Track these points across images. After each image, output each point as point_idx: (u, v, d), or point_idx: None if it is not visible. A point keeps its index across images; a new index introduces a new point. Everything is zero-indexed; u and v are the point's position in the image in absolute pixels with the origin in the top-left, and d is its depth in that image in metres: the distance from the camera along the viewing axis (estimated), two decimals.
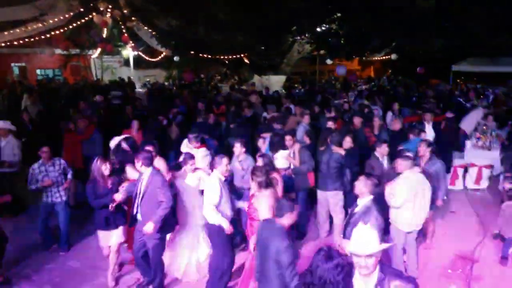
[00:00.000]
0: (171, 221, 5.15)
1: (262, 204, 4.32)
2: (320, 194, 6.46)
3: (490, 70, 17.29)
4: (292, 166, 6.61)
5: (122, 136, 6.54)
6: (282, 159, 6.54)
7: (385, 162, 6.40)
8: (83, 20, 14.87)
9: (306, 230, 6.83)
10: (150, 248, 4.96)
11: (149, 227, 4.72)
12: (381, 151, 6.40)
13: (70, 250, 6.31)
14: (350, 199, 6.30)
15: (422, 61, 20.49)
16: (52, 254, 6.17)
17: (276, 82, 18.84)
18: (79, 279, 5.55)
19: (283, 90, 18.28)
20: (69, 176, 6.30)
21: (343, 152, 6.29)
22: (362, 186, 4.48)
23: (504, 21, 13.86)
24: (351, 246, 2.62)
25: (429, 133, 8.33)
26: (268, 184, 4.48)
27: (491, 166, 8.85)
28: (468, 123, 9.65)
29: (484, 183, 8.88)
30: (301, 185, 6.57)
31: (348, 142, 6.49)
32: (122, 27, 15.73)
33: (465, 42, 14.21)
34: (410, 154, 5.56)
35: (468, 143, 9.11)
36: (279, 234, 3.52)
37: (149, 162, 4.93)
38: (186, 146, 6.86)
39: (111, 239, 5.26)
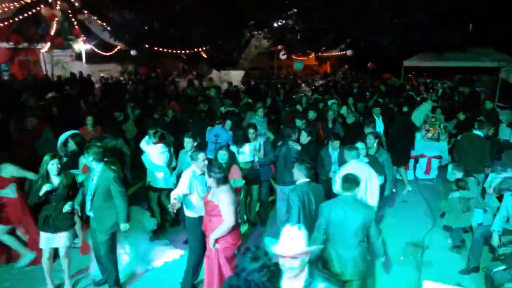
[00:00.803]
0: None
1: (224, 200, 4.30)
2: (279, 189, 6.50)
3: (438, 65, 18.11)
4: (257, 159, 6.73)
5: (69, 133, 6.31)
6: (248, 152, 6.67)
7: (335, 155, 6.62)
8: (30, 13, 14.14)
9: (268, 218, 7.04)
10: (99, 245, 4.89)
11: (124, 228, 4.83)
12: (333, 145, 6.65)
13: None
14: None
15: (376, 57, 21.12)
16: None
17: (235, 77, 18.84)
18: (31, 282, 5.32)
19: (242, 85, 18.32)
20: None
21: (298, 147, 6.40)
22: (297, 171, 4.74)
23: (450, 16, 14.58)
24: (277, 246, 2.60)
25: (378, 127, 8.65)
26: (226, 179, 4.45)
27: (439, 157, 9.29)
28: (418, 116, 10.09)
29: (433, 173, 9.31)
30: (265, 176, 6.72)
31: (304, 136, 6.61)
32: (73, 20, 15.10)
33: (414, 37, 14.77)
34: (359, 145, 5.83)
35: (418, 135, 9.51)
36: (361, 205, 4.14)
37: (100, 158, 4.84)
38: (145, 143, 6.71)
39: (50, 241, 4.90)
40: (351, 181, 4.13)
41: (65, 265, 5.13)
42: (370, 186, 5.40)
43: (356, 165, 5.40)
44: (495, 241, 5.20)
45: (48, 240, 4.90)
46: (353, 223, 3.95)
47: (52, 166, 4.75)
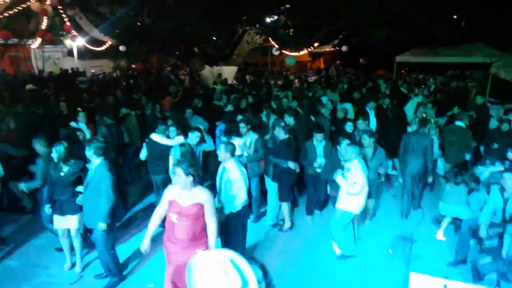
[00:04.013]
0: (117, 210, 5.08)
1: (209, 199, 4.05)
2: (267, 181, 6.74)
3: (430, 60, 18.14)
4: (246, 154, 6.70)
5: None
6: (236, 146, 6.60)
7: (320, 148, 6.62)
8: (19, 8, 13.97)
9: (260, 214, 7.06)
10: (97, 237, 4.93)
11: (101, 227, 4.75)
12: (317, 138, 6.62)
13: (8, 248, 6.01)
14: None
15: (369, 53, 21.10)
16: None
17: (228, 73, 18.74)
18: (18, 278, 5.29)
19: (235, 82, 18.27)
20: None
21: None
22: (223, 153, 4.99)
23: (442, 12, 14.61)
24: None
25: (371, 120, 8.81)
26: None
27: None
28: (408, 111, 10.12)
29: None
30: (253, 172, 6.68)
31: (281, 133, 6.49)
32: (64, 15, 14.94)
33: (407, 33, 14.78)
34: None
35: (409, 130, 9.51)
36: (428, 137, 6.93)
37: (100, 152, 4.88)
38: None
39: (60, 223, 5.19)
40: (425, 122, 7.13)
41: (76, 245, 5.37)
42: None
43: (359, 165, 5.40)
44: (482, 233, 5.23)
45: (59, 222, 5.21)
46: (423, 144, 6.72)
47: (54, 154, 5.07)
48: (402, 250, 6.00)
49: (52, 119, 8.54)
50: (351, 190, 5.32)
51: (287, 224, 6.66)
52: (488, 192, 6.08)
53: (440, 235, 6.30)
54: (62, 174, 5.06)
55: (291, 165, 6.26)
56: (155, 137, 6.64)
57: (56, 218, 5.19)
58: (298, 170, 6.42)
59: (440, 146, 8.94)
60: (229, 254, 2.43)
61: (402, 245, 6.12)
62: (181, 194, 3.98)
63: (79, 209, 5.10)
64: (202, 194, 3.98)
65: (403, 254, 5.88)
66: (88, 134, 7.04)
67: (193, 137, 6.18)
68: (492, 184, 6.09)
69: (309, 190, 6.91)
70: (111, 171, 4.84)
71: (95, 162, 4.87)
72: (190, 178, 3.92)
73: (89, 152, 4.85)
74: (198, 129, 6.38)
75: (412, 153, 6.84)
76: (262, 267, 2.65)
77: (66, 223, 5.19)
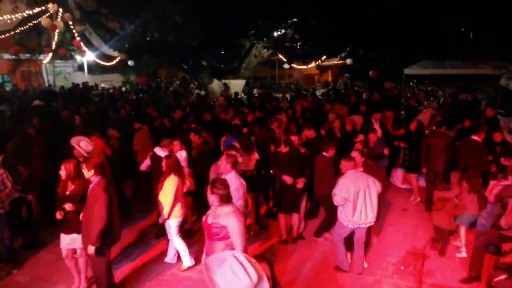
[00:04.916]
0: (110, 232, 4.81)
1: (234, 223, 3.75)
2: None
3: (438, 72, 18.02)
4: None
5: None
6: (252, 160, 6.77)
7: None
8: (31, 24, 14.23)
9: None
10: (91, 260, 4.82)
11: (90, 250, 4.63)
12: (329, 152, 6.51)
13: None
14: None
15: (376, 65, 21.06)
16: None
17: (236, 86, 18.87)
18: None
19: (243, 95, 18.35)
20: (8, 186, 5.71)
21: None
22: (224, 164, 5.06)
23: (451, 24, 14.60)
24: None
25: (378, 131, 8.69)
26: (230, 197, 3.95)
27: None
28: None
29: None
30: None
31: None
32: (74, 31, 15.19)
33: (414, 46, 14.73)
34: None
35: None
36: (446, 135, 7.78)
37: (100, 171, 4.76)
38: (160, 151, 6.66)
39: (69, 242, 5.05)
40: (440, 124, 8.13)
41: (81, 265, 5.27)
42: (370, 196, 5.39)
43: (353, 175, 5.38)
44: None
45: (65, 240, 5.08)
46: (442, 145, 7.44)
47: (62, 172, 4.96)
48: (414, 266, 5.87)
49: (63, 133, 8.56)
50: (333, 200, 5.47)
51: (283, 237, 6.58)
52: (502, 206, 5.98)
53: (464, 252, 6.10)
54: (67, 193, 4.99)
55: (286, 179, 6.25)
56: (158, 150, 6.62)
57: (63, 237, 5.09)
58: (299, 186, 6.31)
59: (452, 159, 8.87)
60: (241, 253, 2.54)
61: (414, 261, 5.99)
62: (211, 210, 3.93)
63: None
64: (226, 217, 3.76)
65: (415, 271, 5.75)
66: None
67: None
68: (506, 198, 6.00)
69: (326, 213, 6.63)
70: (107, 191, 4.65)
71: (93, 180, 4.71)
72: (213, 197, 3.82)
73: (87, 172, 4.70)
74: (234, 147, 6.23)
75: (434, 153, 7.50)
76: (271, 266, 2.66)
77: (72, 243, 5.05)
